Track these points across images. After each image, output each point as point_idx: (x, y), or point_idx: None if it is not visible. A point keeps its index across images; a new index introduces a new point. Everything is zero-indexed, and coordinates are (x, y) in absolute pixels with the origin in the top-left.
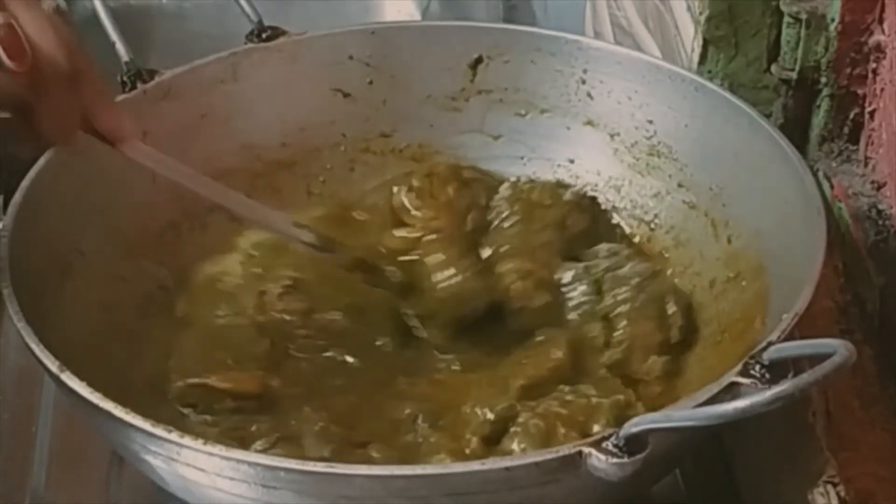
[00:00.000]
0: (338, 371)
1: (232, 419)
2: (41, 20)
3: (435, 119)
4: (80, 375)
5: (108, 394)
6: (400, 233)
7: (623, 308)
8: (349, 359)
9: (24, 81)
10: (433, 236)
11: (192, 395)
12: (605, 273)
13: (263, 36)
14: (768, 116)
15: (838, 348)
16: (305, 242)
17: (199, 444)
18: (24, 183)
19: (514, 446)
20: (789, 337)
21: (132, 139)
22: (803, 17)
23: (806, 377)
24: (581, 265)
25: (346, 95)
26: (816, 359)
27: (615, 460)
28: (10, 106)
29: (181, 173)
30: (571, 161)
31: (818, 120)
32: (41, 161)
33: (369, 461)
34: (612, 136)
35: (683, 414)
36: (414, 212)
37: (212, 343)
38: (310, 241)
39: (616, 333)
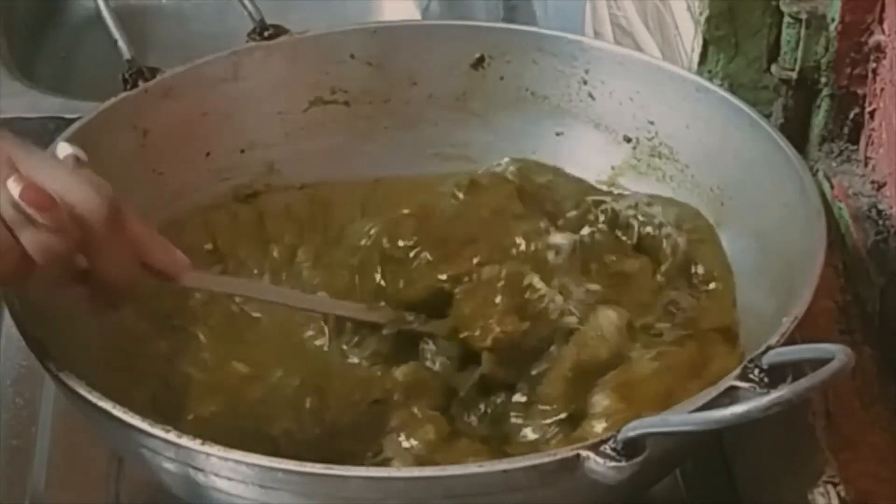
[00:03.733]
0: None
1: None
2: (62, 173)
3: (437, 118)
4: (79, 375)
5: (107, 393)
6: None
7: None
8: None
9: (70, 236)
10: None
11: None
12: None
13: (265, 34)
14: (768, 116)
15: (837, 353)
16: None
17: (196, 444)
18: None
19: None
20: (789, 339)
21: (187, 271)
22: (803, 17)
23: (804, 382)
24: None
25: (347, 95)
26: (816, 361)
27: (613, 463)
28: (68, 271)
29: (241, 287)
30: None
31: (818, 120)
32: None
33: None
34: (613, 136)
35: (681, 418)
36: None
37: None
38: (384, 320)
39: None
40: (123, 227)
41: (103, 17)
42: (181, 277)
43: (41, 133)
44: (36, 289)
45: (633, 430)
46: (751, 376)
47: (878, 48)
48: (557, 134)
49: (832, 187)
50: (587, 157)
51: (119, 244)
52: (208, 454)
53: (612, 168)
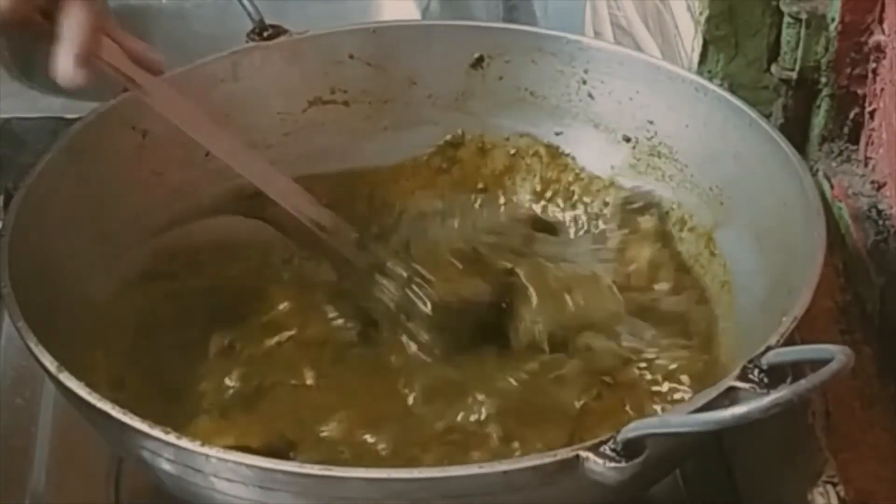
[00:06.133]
0: None
1: None
2: None
3: (436, 118)
4: (79, 375)
5: (106, 394)
6: None
7: None
8: None
9: None
10: None
11: None
12: None
13: (265, 35)
14: (768, 116)
15: (836, 354)
16: (318, 224)
17: (196, 445)
18: (25, 183)
19: None
20: (789, 339)
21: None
22: (803, 17)
23: (804, 383)
24: None
25: (346, 95)
26: (816, 361)
27: (612, 464)
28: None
29: (201, 130)
30: (573, 160)
31: (818, 120)
32: (42, 162)
33: None
34: (612, 136)
35: (681, 419)
36: None
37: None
38: (325, 223)
39: None
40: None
41: None
42: (154, 68)
43: (41, 133)
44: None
45: (633, 430)
46: (750, 377)
47: (878, 48)
48: (557, 134)
49: (832, 187)
50: (586, 156)
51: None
52: (208, 455)
53: (612, 168)
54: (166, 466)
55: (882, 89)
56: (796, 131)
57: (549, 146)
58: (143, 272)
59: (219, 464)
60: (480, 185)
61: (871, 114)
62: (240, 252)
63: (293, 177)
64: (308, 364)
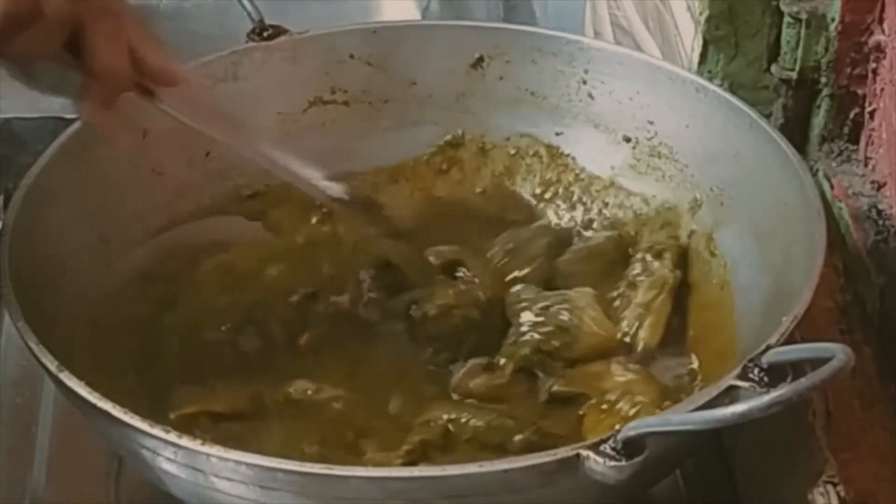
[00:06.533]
0: None
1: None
2: None
3: (436, 118)
4: (79, 375)
5: (106, 393)
6: None
7: None
8: None
9: (75, 6)
10: None
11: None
12: None
13: (265, 35)
14: (768, 116)
15: (837, 353)
16: (335, 198)
17: (196, 444)
18: (24, 182)
19: None
20: (789, 339)
21: (177, 78)
22: (803, 17)
23: (804, 382)
24: None
25: (346, 95)
26: (816, 360)
27: (613, 463)
28: (63, 28)
29: (216, 128)
30: (573, 160)
31: (818, 120)
32: (42, 161)
33: None
34: (612, 136)
35: (681, 418)
36: None
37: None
38: (340, 196)
39: None
40: (125, 23)
41: None
42: (171, 83)
43: (41, 133)
44: (32, 44)
45: (633, 429)
46: (751, 375)
47: (878, 48)
48: (557, 134)
49: (832, 187)
50: (587, 157)
51: (116, 31)
52: (208, 455)
53: (612, 168)
54: (166, 466)
55: (882, 89)
56: (796, 131)
57: (549, 146)
58: (143, 272)
59: (219, 463)
60: (480, 187)
61: (871, 114)
62: (240, 252)
63: None
64: (311, 327)
